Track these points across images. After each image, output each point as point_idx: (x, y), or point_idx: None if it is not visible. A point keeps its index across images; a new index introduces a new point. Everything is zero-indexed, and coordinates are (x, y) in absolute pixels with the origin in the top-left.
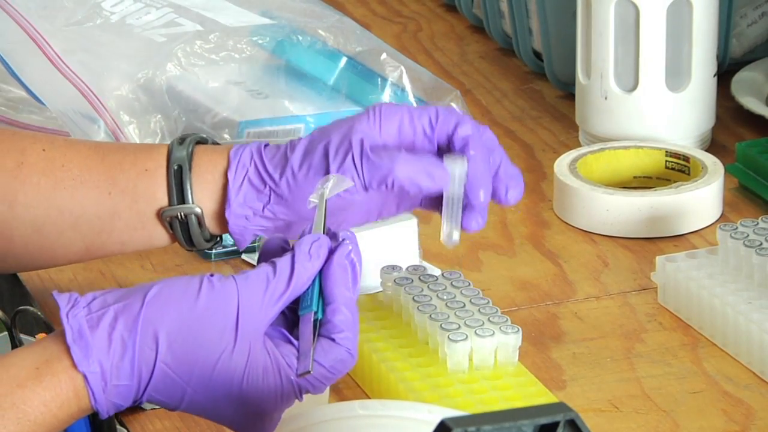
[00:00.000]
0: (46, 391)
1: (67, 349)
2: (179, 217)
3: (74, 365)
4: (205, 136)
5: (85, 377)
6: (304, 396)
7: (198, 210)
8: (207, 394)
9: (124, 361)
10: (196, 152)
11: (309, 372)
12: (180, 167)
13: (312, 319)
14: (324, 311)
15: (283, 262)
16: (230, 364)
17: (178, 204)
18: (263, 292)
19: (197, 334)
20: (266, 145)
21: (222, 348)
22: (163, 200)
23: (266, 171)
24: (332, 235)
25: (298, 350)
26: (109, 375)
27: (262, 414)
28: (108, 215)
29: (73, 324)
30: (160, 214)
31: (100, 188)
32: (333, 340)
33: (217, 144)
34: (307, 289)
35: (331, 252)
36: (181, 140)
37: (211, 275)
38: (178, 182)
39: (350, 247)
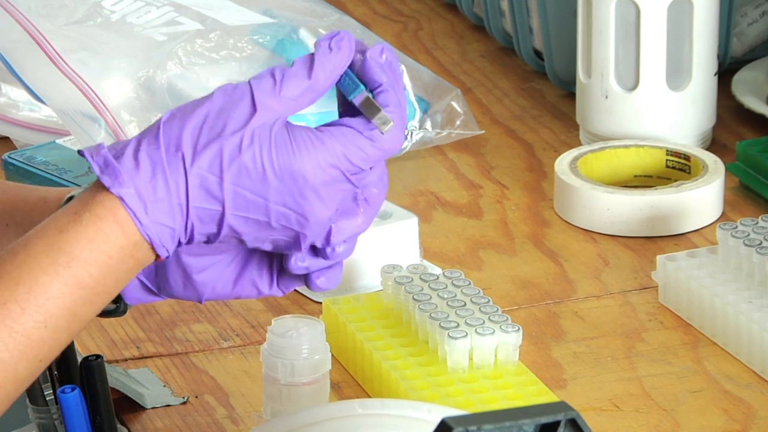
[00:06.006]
0: (87, 228)
1: (101, 185)
2: None
3: (109, 193)
4: None
5: (121, 200)
6: (304, 395)
7: None
8: (253, 184)
9: (156, 176)
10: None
11: (391, 123)
12: (71, 197)
13: (364, 96)
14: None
15: (302, 57)
16: (259, 140)
17: None
18: (279, 84)
19: (217, 124)
20: None
21: (244, 127)
22: None
23: None
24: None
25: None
26: (145, 193)
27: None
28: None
29: (98, 160)
30: None
31: None
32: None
33: None
34: (342, 79)
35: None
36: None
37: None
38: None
39: (384, 50)
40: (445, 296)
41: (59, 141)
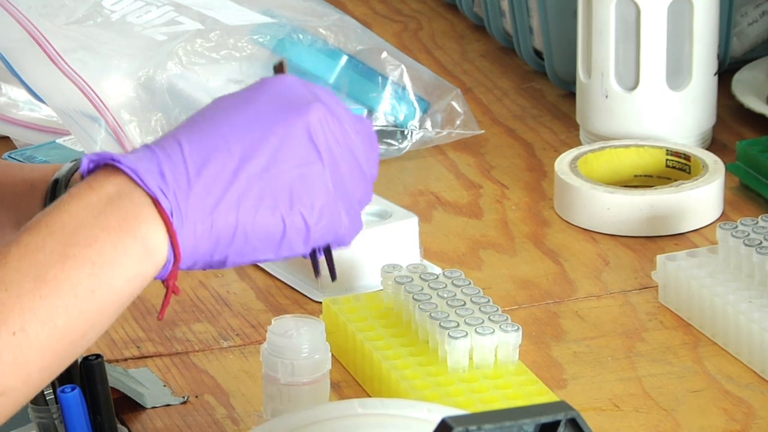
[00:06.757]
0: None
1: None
2: None
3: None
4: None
5: (112, 161)
6: (304, 395)
7: None
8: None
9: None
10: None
11: None
12: (56, 180)
13: None
14: None
15: None
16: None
17: None
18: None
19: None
20: None
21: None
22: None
23: None
24: None
25: None
26: (130, 154)
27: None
28: None
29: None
30: None
31: None
32: None
33: None
34: None
35: None
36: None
37: None
38: (51, 196)
39: None
40: (445, 296)
41: (59, 141)
